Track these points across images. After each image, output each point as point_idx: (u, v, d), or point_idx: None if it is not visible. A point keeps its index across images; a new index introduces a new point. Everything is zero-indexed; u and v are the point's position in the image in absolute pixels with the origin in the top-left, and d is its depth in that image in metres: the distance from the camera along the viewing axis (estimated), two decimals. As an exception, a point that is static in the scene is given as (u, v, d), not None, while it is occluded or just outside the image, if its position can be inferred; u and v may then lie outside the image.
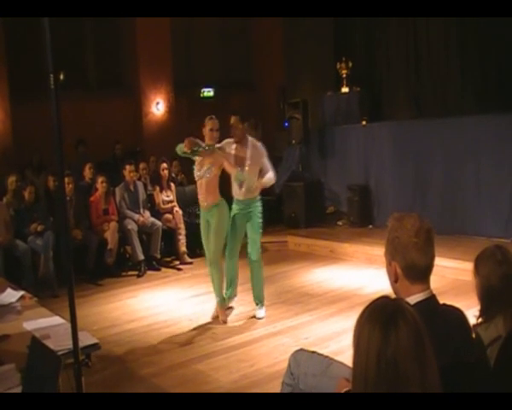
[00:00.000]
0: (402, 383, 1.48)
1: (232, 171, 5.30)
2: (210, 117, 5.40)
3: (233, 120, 5.35)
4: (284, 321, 5.05)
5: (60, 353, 2.81)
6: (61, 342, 3.03)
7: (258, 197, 5.49)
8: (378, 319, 1.53)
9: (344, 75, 10.03)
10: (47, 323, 3.53)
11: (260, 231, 5.51)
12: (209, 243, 5.43)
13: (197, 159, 5.40)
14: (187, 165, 9.74)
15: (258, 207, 5.47)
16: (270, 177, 5.42)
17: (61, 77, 8.48)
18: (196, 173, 5.43)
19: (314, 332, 4.95)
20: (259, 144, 5.47)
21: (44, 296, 6.04)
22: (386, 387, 1.48)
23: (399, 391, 1.48)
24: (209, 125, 5.32)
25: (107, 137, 9.78)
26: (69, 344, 2.69)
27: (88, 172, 8.22)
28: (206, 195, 5.38)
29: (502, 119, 7.33)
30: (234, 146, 5.40)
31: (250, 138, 5.45)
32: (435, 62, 9.52)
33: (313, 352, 3.06)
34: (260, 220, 5.47)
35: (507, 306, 2.59)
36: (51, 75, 2.56)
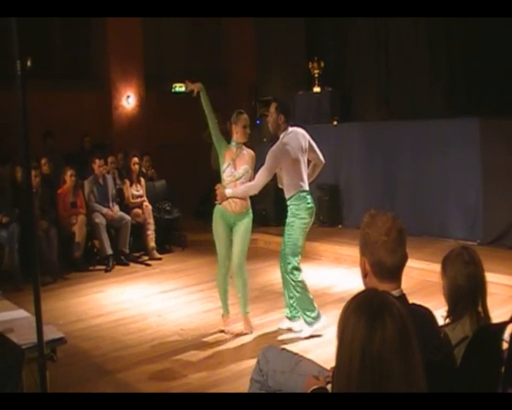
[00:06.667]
0: (386, 380, 1.47)
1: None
2: (239, 111, 5.00)
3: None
4: (253, 319, 5.04)
5: (24, 347, 2.75)
6: (25, 336, 2.96)
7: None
8: (364, 312, 1.52)
9: (316, 75, 10.07)
10: (10, 316, 3.45)
11: None
12: (230, 248, 5.00)
13: (226, 157, 4.98)
14: (157, 160, 9.70)
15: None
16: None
17: (29, 63, 8.24)
18: (233, 173, 4.97)
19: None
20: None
21: (8, 289, 5.91)
22: (369, 383, 1.47)
23: (383, 388, 1.47)
24: (242, 122, 4.93)
25: (75, 130, 9.59)
26: (33, 338, 2.64)
27: (45, 168, 7.93)
28: (240, 198, 5.03)
29: (469, 121, 7.43)
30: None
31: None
32: (405, 64, 9.65)
33: (282, 349, 3.06)
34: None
35: (473, 306, 2.64)
36: (18, 61, 2.50)
